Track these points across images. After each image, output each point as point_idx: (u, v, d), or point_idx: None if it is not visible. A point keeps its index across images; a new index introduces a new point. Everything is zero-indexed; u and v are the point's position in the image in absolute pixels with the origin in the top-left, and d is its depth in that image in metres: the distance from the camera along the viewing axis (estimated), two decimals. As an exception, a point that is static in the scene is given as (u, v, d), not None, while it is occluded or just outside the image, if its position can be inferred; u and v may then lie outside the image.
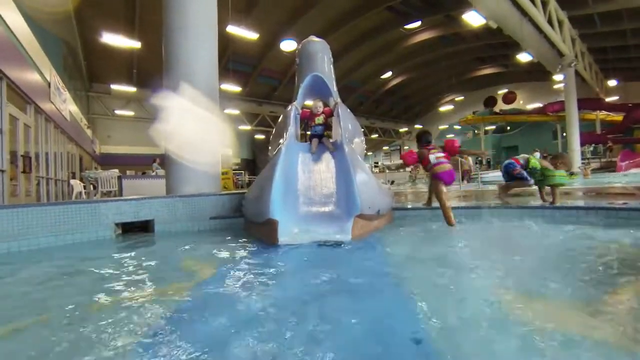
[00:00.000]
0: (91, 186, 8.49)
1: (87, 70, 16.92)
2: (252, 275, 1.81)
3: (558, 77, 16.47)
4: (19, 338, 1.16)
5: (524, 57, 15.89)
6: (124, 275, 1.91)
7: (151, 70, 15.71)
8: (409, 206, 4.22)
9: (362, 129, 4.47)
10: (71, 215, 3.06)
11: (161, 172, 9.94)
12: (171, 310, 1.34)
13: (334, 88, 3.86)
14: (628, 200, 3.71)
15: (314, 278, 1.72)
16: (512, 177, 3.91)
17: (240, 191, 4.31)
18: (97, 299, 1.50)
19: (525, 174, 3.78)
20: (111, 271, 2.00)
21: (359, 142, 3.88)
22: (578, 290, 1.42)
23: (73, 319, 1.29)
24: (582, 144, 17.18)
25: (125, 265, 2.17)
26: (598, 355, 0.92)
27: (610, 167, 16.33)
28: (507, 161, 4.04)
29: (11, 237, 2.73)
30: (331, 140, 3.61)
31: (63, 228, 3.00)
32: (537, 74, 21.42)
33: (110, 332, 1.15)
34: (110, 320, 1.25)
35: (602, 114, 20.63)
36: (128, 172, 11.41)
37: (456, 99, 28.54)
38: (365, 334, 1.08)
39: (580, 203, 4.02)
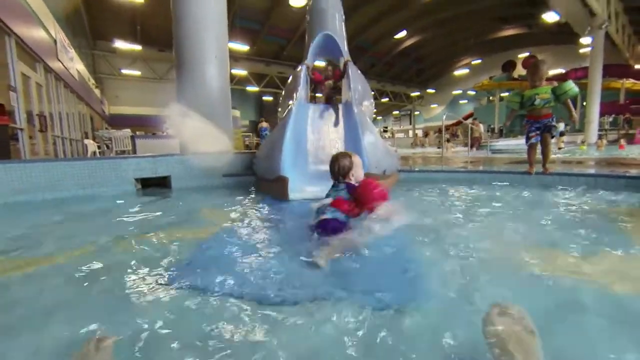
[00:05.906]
0: (105, 146, 8.73)
1: (90, 27, 16.41)
2: (265, 224, 2.00)
3: (585, 40, 15.33)
4: (68, 263, 1.38)
5: (550, 17, 14.73)
6: (151, 220, 2.13)
7: (155, 27, 15.21)
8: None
9: (372, 92, 4.43)
10: (95, 170, 3.27)
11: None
12: (193, 249, 1.53)
13: (345, 47, 3.78)
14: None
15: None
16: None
17: (251, 151, 4.44)
18: (126, 237, 1.71)
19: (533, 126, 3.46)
20: (139, 217, 2.22)
21: (368, 105, 3.88)
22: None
23: (106, 252, 1.50)
24: (602, 115, 16.40)
25: (151, 213, 2.39)
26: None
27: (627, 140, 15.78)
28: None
29: (45, 189, 2.98)
30: (341, 104, 3.62)
31: (89, 182, 3.23)
32: (563, 36, 19.95)
33: (138, 263, 1.36)
34: (139, 255, 1.46)
35: (628, 82, 19.44)
36: (138, 133, 11.57)
37: (473, 62, 27.06)
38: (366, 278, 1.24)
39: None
